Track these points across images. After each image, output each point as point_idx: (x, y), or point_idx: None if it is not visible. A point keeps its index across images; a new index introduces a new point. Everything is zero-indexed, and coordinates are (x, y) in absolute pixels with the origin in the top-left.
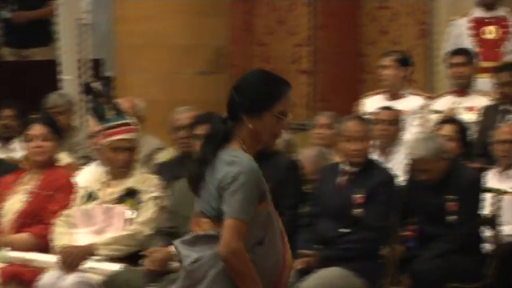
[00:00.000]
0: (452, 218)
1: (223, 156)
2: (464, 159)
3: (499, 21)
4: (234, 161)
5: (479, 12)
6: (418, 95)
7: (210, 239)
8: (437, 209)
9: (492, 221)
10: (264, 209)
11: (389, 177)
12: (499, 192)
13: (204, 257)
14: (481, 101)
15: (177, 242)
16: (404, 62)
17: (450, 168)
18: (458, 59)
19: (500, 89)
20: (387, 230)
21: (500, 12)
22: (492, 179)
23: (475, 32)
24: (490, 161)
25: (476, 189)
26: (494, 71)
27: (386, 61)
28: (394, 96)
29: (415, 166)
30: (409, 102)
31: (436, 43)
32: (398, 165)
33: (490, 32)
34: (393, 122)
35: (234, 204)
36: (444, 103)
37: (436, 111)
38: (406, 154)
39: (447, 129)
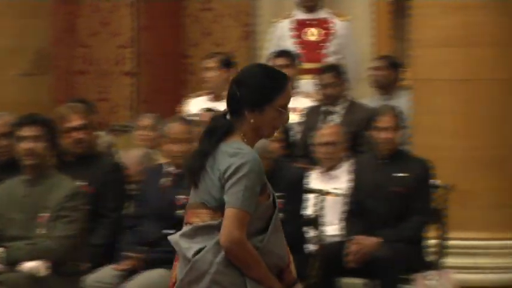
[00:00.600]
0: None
1: (225, 148)
2: (288, 159)
3: (321, 23)
4: (237, 152)
5: (301, 14)
6: None
7: (211, 229)
8: None
9: (315, 222)
10: (264, 201)
11: None
12: (321, 192)
13: (207, 247)
14: (304, 102)
15: (176, 236)
16: (227, 63)
17: (274, 167)
18: (281, 61)
19: (322, 90)
20: None
21: (322, 14)
22: (315, 179)
23: (297, 33)
24: (312, 162)
25: (300, 187)
26: (317, 72)
27: (210, 63)
28: (218, 97)
29: None
30: None
31: (259, 44)
32: None
33: (312, 34)
34: None
35: (237, 194)
36: None
37: None
38: None
39: None
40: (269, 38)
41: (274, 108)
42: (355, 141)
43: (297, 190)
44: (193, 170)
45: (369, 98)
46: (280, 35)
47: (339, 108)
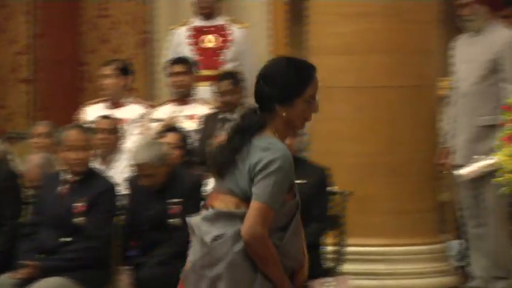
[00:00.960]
0: (175, 220)
1: (258, 143)
2: (186, 166)
3: (218, 30)
4: (269, 147)
5: (198, 21)
6: (138, 103)
7: (233, 217)
8: (160, 215)
9: None
10: (290, 199)
11: (110, 186)
12: None
13: (226, 235)
14: (202, 110)
15: (197, 218)
16: (124, 70)
17: (172, 174)
18: (178, 68)
19: (220, 98)
20: (109, 238)
21: (220, 21)
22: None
23: (195, 40)
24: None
25: (198, 194)
26: (214, 79)
27: (107, 70)
28: (115, 104)
29: (138, 171)
30: (129, 111)
31: (157, 52)
32: (119, 173)
33: (210, 41)
34: (113, 130)
35: (265, 189)
36: (165, 112)
37: (157, 120)
38: (128, 162)
39: (169, 138)
40: (167, 45)
41: (304, 100)
42: None
43: (195, 197)
44: (222, 164)
45: None
46: (177, 42)
47: (237, 116)
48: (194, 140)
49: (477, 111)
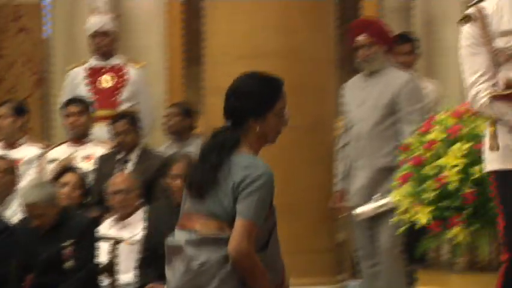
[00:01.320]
0: (69, 264)
1: (238, 160)
2: (82, 207)
3: (115, 70)
4: (251, 165)
5: (95, 61)
6: (34, 144)
7: (219, 242)
8: (53, 257)
9: (110, 269)
10: (271, 214)
11: (6, 227)
12: (115, 240)
13: (212, 260)
14: (98, 150)
15: (180, 241)
16: (19, 110)
17: (64, 215)
18: (73, 108)
19: (116, 138)
20: (6, 281)
21: (116, 60)
22: (109, 227)
23: (91, 80)
24: (107, 210)
25: (90, 235)
26: (111, 119)
27: (1, 110)
28: (10, 145)
29: (27, 212)
30: (25, 151)
31: (53, 92)
32: (14, 214)
33: (106, 81)
34: (8, 171)
35: (249, 206)
36: (60, 152)
37: (53, 160)
38: (20, 202)
39: (68, 178)
40: (63, 86)
41: (275, 113)
42: (149, 189)
43: (87, 238)
44: (203, 183)
45: (163, 145)
46: (74, 83)
47: (133, 156)
48: (91, 181)
49: (376, 153)
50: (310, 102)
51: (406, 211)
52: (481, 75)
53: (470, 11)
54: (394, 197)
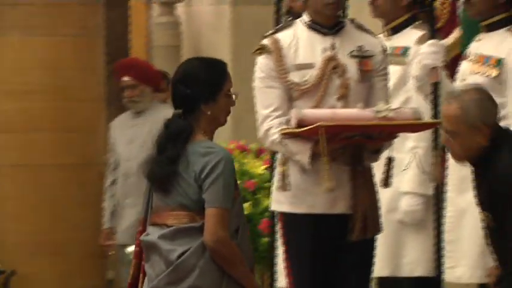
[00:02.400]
0: None
1: (196, 149)
2: None
3: None
4: (209, 151)
5: None
6: None
7: (193, 231)
8: None
9: None
10: (238, 196)
11: None
12: None
13: (189, 250)
14: None
15: (152, 237)
16: None
17: None
18: None
19: None
20: None
21: None
22: None
23: None
24: None
25: None
26: None
27: None
28: None
29: None
30: None
31: None
32: None
33: None
34: None
35: (216, 193)
36: None
37: None
38: None
39: None
40: None
41: (224, 95)
42: None
43: None
44: (163, 176)
45: None
46: None
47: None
48: None
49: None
50: (79, 141)
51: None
52: (274, 110)
53: (265, 42)
54: None
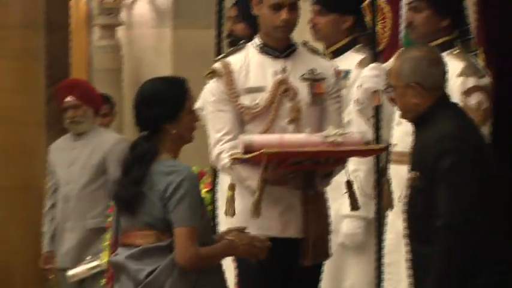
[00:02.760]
0: None
1: (159, 168)
2: None
3: None
4: (173, 170)
5: None
6: None
7: (161, 250)
8: None
9: None
10: (205, 213)
11: None
12: None
13: (159, 268)
14: None
15: (120, 258)
16: None
17: None
18: None
19: None
20: None
21: None
22: None
23: None
24: None
25: None
26: None
27: None
28: None
29: None
30: None
31: None
32: None
33: None
34: None
35: (183, 213)
36: None
37: None
38: None
39: None
40: None
41: (187, 112)
42: None
43: None
44: (128, 198)
45: None
46: None
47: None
48: None
49: (86, 214)
50: (19, 164)
51: None
52: (225, 134)
53: (216, 65)
54: (104, 258)
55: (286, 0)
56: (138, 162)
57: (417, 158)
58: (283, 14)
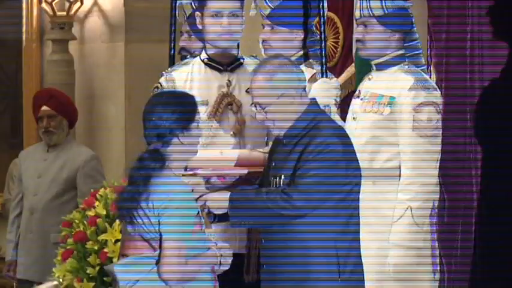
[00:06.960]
0: None
1: (158, 182)
2: None
3: None
4: (168, 187)
5: None
6: None
7: (148, 260)
8: None
9: None
10: (199, 226)
11: None
12: None
13: (144, 280)
14: None
15: (110, 266)
16: None
17: None
18: None
19: None
20: None
21: None
22: None
23: None
24: None
25: None
26: None
27: None
28: None
29: None
30: None
31: None
32: None
33: None
34: None
35: (173, 227)
36: None
37: None
38: None
39: None
40: None
41: (196, 125)
42: None
43: None
44: (131, 210)
45: None
46: None
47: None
48: None
49: (51, 227)
50: None
51: (68, 287)
52: None
53: (161, 80)
54: (57, 272)
55: (226, 8)
56: (143, 175)
57: (284, 163)
58: (224, 21)
